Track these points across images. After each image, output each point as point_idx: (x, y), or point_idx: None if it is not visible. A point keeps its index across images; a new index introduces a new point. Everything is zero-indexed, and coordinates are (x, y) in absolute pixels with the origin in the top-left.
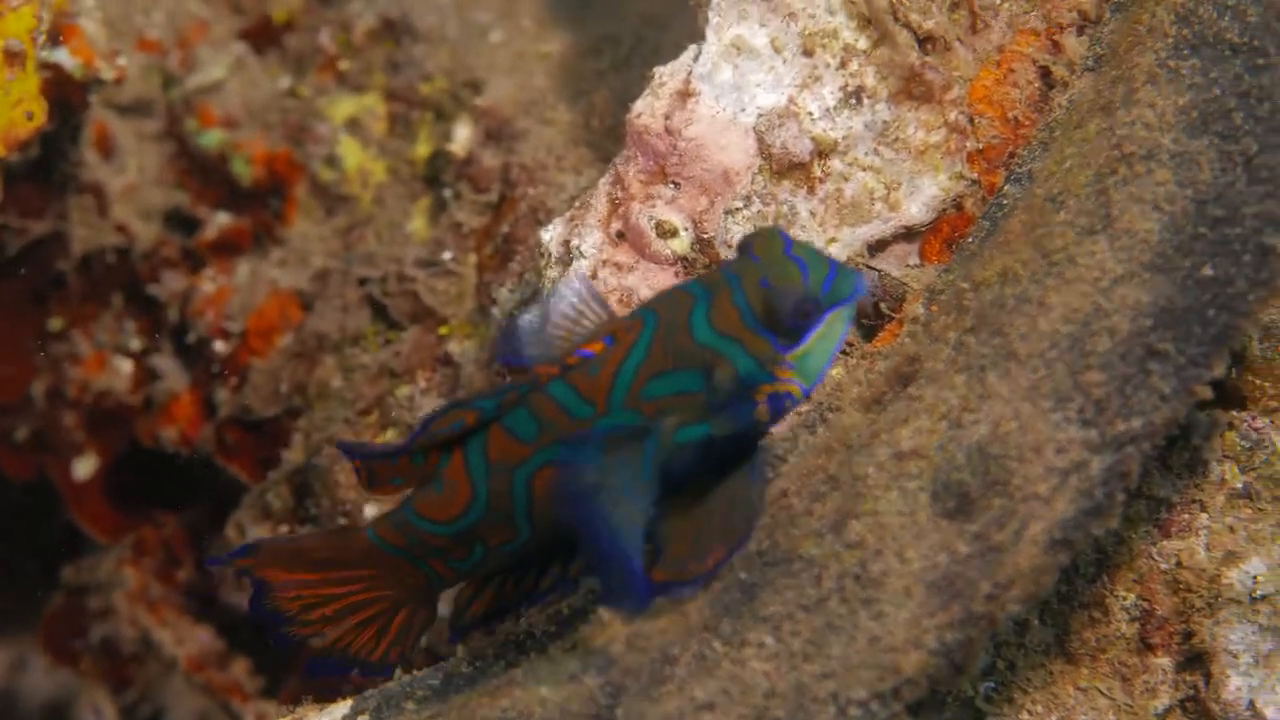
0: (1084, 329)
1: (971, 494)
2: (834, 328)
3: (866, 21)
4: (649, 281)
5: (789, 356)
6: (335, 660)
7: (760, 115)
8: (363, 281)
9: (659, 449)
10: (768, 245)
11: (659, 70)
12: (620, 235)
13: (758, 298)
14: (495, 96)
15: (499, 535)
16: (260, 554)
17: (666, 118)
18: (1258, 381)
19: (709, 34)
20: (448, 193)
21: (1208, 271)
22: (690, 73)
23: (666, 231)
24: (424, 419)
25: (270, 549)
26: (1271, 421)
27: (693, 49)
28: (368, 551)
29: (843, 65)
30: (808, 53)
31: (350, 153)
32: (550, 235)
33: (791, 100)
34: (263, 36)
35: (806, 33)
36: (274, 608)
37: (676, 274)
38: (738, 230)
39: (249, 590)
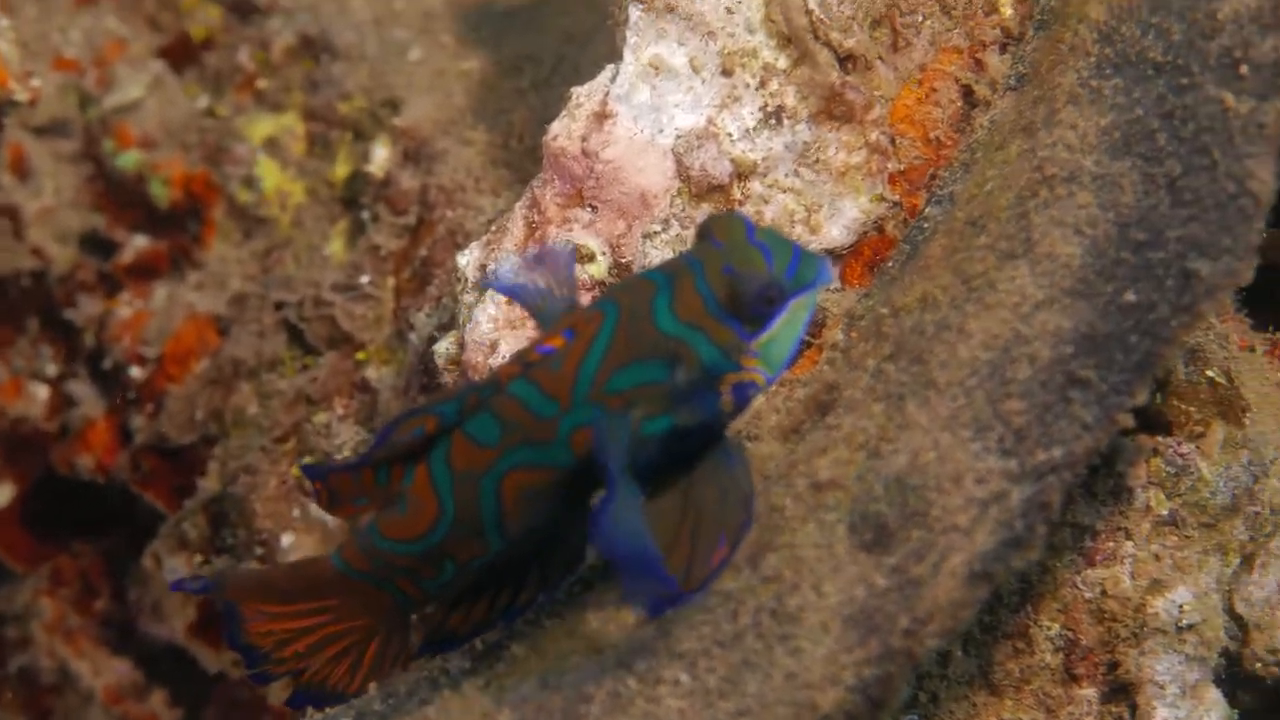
0: (1004, 356)
1: (890, 526)
2: (798, 314)
3: (787, 40)
4: None
5: (753, 345)
6: (315, 694)
7: (679, 136)
8: (280, 306)
9: (628, 443)
10: (729, 230)
11: (576, 91)
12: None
13: (721, 285)
14: (414, 116)
15: (469, 550)
16: (227, 583)
17: (583, 140)
18: (1183, 406)
19: (626, 54)
20: (366, 215)
21: (1130, 297)
22: (607, 94)
23: (583, 256)
24: (382, 429)
25: (236, 579)
26: (1197, 447)
27: (610, 69)
28: (333, 579)
29: (762, 85)
30: (727, 72)
31: (269, 174)
32: (467, 260)
33: (711, 121)
34: (181, 54)
35: (726, 52)
36: (248, 643)
37: (594, 298)
38: (656, 254)
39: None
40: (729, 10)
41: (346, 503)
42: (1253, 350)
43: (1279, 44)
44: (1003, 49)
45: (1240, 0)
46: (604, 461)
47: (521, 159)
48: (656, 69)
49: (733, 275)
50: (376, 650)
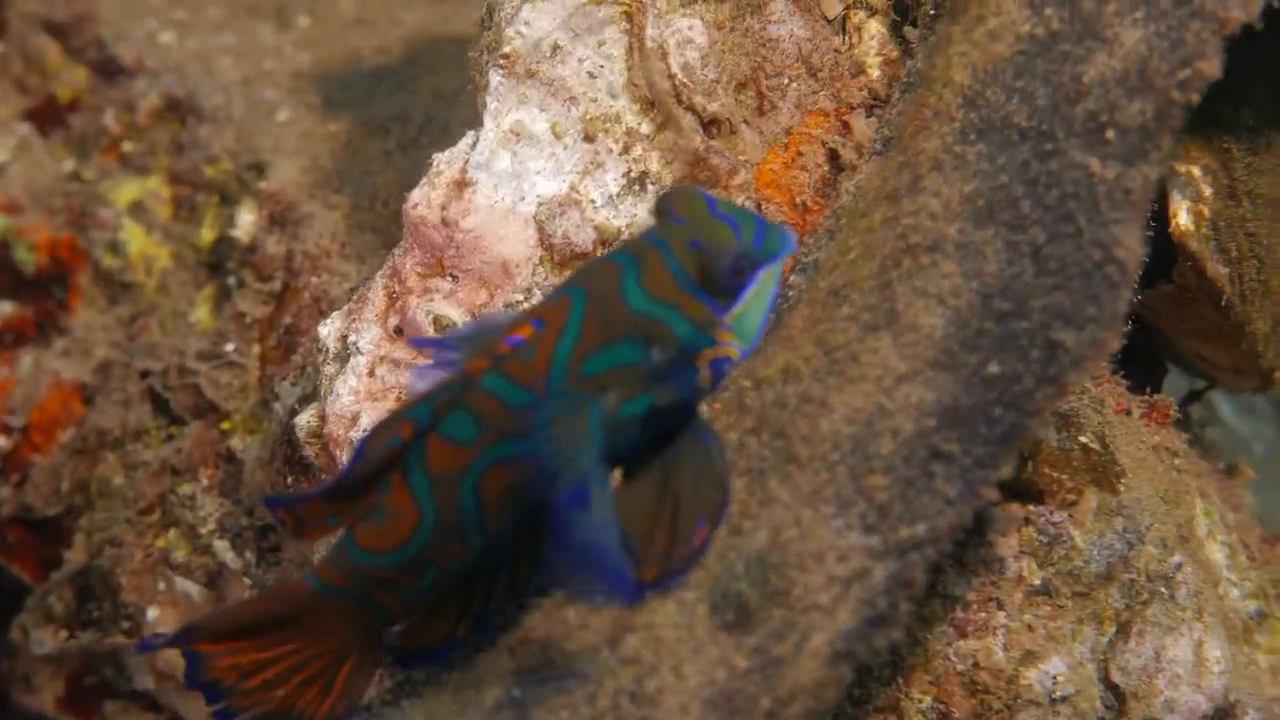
0: (867, 430)
1: (751, 605)
2: (766, 285)
3: (650, 105)
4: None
5: (726, 318)
6: None
7: (541, 204)
8: (145, 374)
9: (605, 427)
10: (690, 205)
11: (437, 158)
12: (398, 330)
13: (690, 260)
14: (280, 179)
15: (450, 553)
16: (195, 634)
17: (443, 209)
18: (1055, 474)
19: (487, 120)
20: (231, 280)
21: (994, 369)
22: (467, 161)
23: (444, 327)
24: (359, 443)
25: (204, 628)
26: (1070, 515)
27: (471, 135)
28: (308, 600)
29: (626, 150)
30: (589, 138)
31: (134, 238)
32: (328, 330)
33: (573, 188)
34: (48, 117)
35: (588, 117)
36: (210, 679)
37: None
38: None
39: (67, 686)
40: (591, 75)
41: (317, 527)
42: (1129, 413)
43: (1145, 108)
44: (869, 111)
45: (1105, 63)
46: (566, 453)
47: (387, 223)
48: (518, 135)
49: (701, 249)
50: (348, 673)
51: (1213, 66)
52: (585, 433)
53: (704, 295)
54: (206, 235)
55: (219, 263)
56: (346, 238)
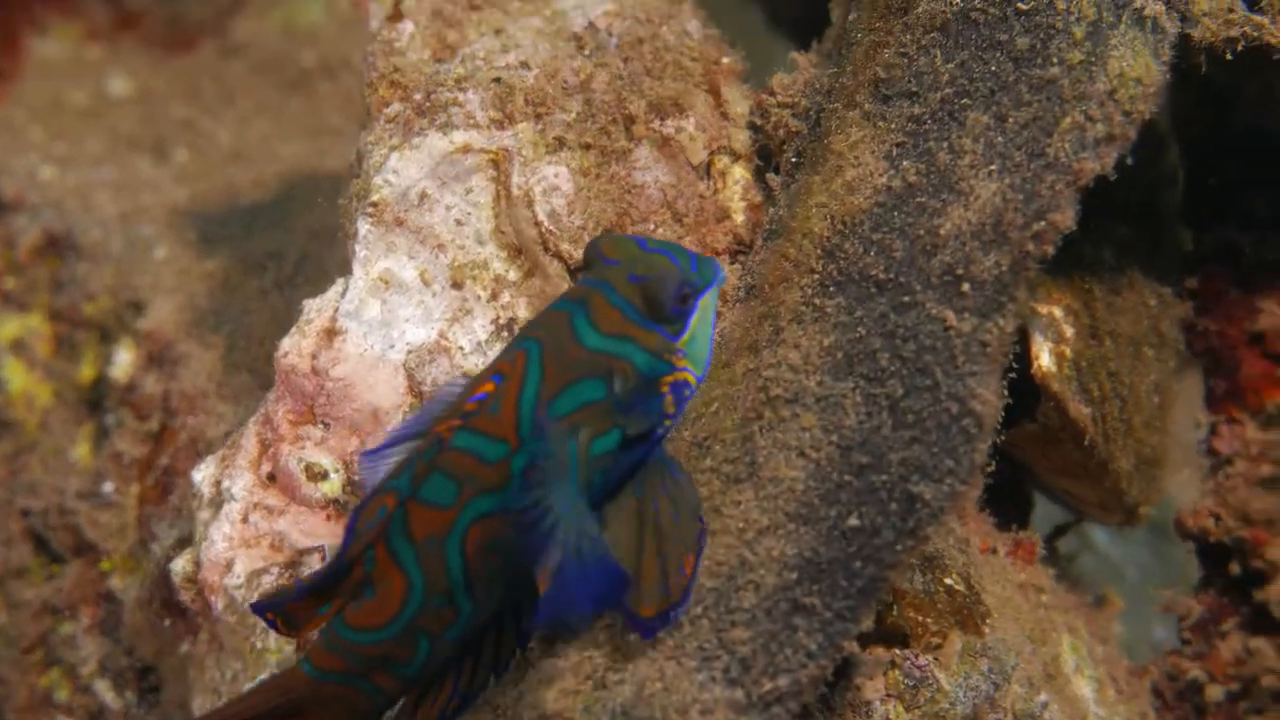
0: (730, 584)
1: None
2: (707, 312)
3: (517, 252)
4: (301, 526)
5: (678, 344)
6: None
7: (410, 351)
8: (26, 513)
9: (580, 467)
10: (621, 247)
11: (307, 305)
12: (271, 477)
13: (634, 293)
14: (158, 318)
15: (441, 620)
16: None
17: (314, 357)
18: (919, 617)
19: (356, 268)
20: (110, 419)
21: (854, 521)
22: (337, 310)
23: (316, 474)
24: (349, 521)
25: None
26: (935, 658)
27: (340, 283)
28: (305, 688)
29: (494, 297)
30: (457, 285)
31: (15, 375)
32: (202, 475)
33: (442, 335)
34: None
35: (456, 264)
36: None
37: (329, 517)
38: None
39: None
40: (459, 222)
41: (309, 619)
42: (995, 552)
43: (1001, 260)
44: (734, 257)
45: (961, 216)
46: (547, 497)
47: (262, 363)
48: (386, 283)
49: (644, 281)
50: None
51: (1066, 218)
52: (563, 472)
53: (654, 325)
54: (86, 373)
55: (98, 400)
56: (223, 378)
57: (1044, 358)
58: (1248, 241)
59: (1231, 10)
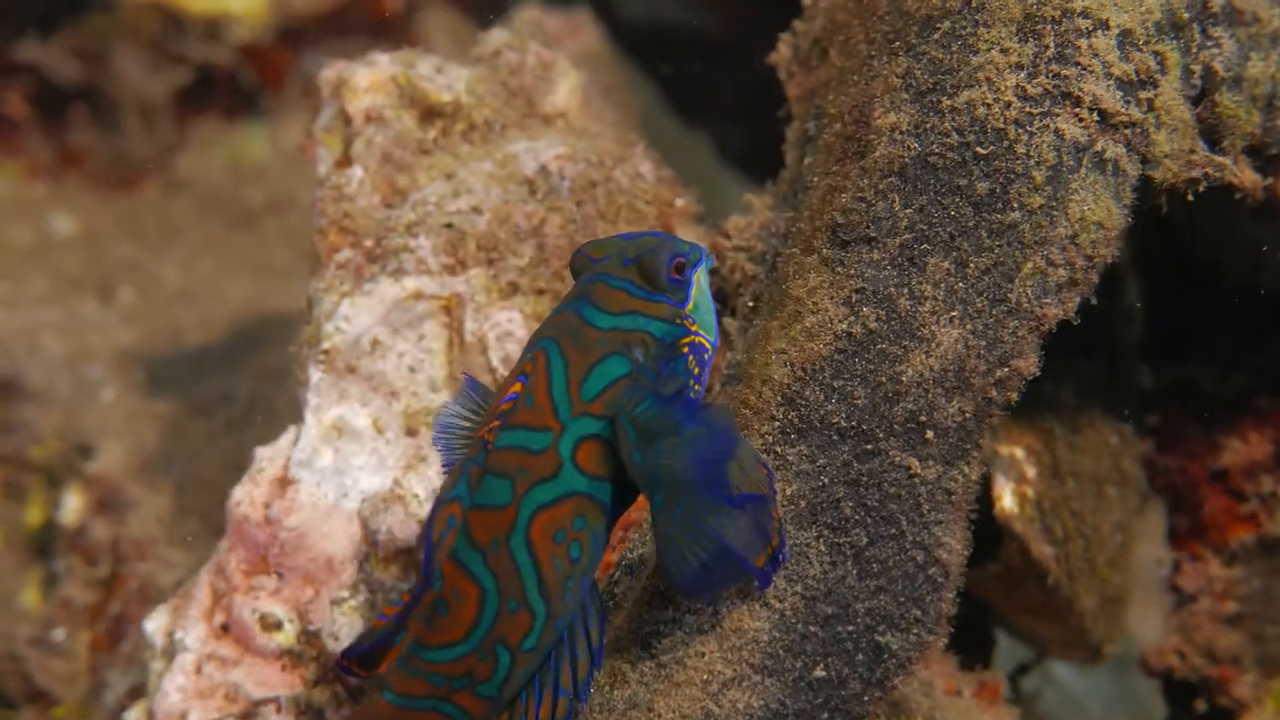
0: None
1: None
2: (703, 287)
3: None
4: (255, 676)
5: (686, 309)
6: None
7: (364, 500)
8: None
9: (637, 428)
10: (605, 245)
11: (259, 453)
12: (224, 628)
13: (632, 273)
14: (107, 462)
15: (518, 626)
16: None
17: (266, 506)
18: None
19: (308, 416)
20: (59, 564)
21: (820, 673)
22: (289, 459)
23: (270, 625)
24: (424, 535)
25: None
26: None
27: (292, 431)
28: (389, 717)
29: None
30: (411, 432)
31: None
32: (154, 626)
33: (396, 483)
34: None
35: (409, 411)
36: None
37: (284, 667)
38: (345, 621)
39: None
40: (412, 369)
41: (388, 653)
42: (959, 694)
43: (964, 407)
44: None
45: (923, 363)
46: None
47: (213, 509)
48: (339, 431)
49: (639, 260)
50: None
51: (1030, 364)
52: (626, 444)
53: (658, 296)
54: (34, 517)
55: (47, 545)
56: (174, 523)
57: (1006, 499)
58: (1208, 377)
59: (1193, 151)
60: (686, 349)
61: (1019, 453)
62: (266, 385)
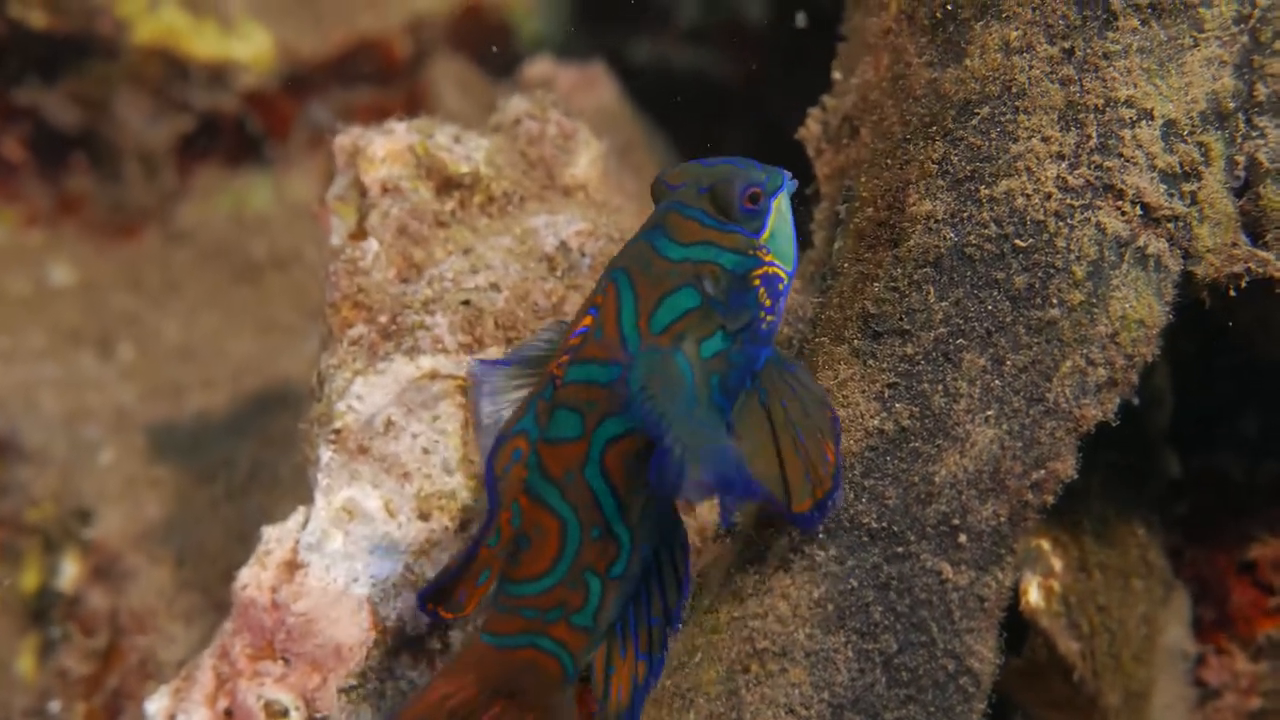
0: None
1: None
2: (783, 211)
3: None
4: None
5: (760, 239)
6: None
7: (375, 585)
8: None
9: (694, 368)
10: (684, 171)
11: (266, 534)
12: (228, 713)
13: (704, 202)
14: (105, 529)
15: (604, 553)
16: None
17: (274, 591)
18: None
19: (318, 497)
20: (56, 632)
21: None
22: (298, 542)
23: (276, 713)
24: (486, 466)
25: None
26: None
27: (302, 512)
28: (493, 661)
29: (462, 528)
30: (424, 516)
31: None
32: (154, 708)
33: (408, 568)
34: None
35: (423, 494)
36: None
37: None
38: (353, 710)
39: None
40: (426, 451)
41: (472, 593)
42: None
43: (999, 510)
44: None
45: (957, 463)
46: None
47: (214, 582)
48: (350, 514)
49: (713, 190)
50: None
51: (1067, 467)
52: (677, 379)
53: (732, 226)
54: (29, 581)
55: (44, 611)
56: (174, 595)
57: (1033, 593)
58: (1237, 466)
59: (1236, 245)
60: (758, 281)
61: (1045, 545)
62: (270, 451)
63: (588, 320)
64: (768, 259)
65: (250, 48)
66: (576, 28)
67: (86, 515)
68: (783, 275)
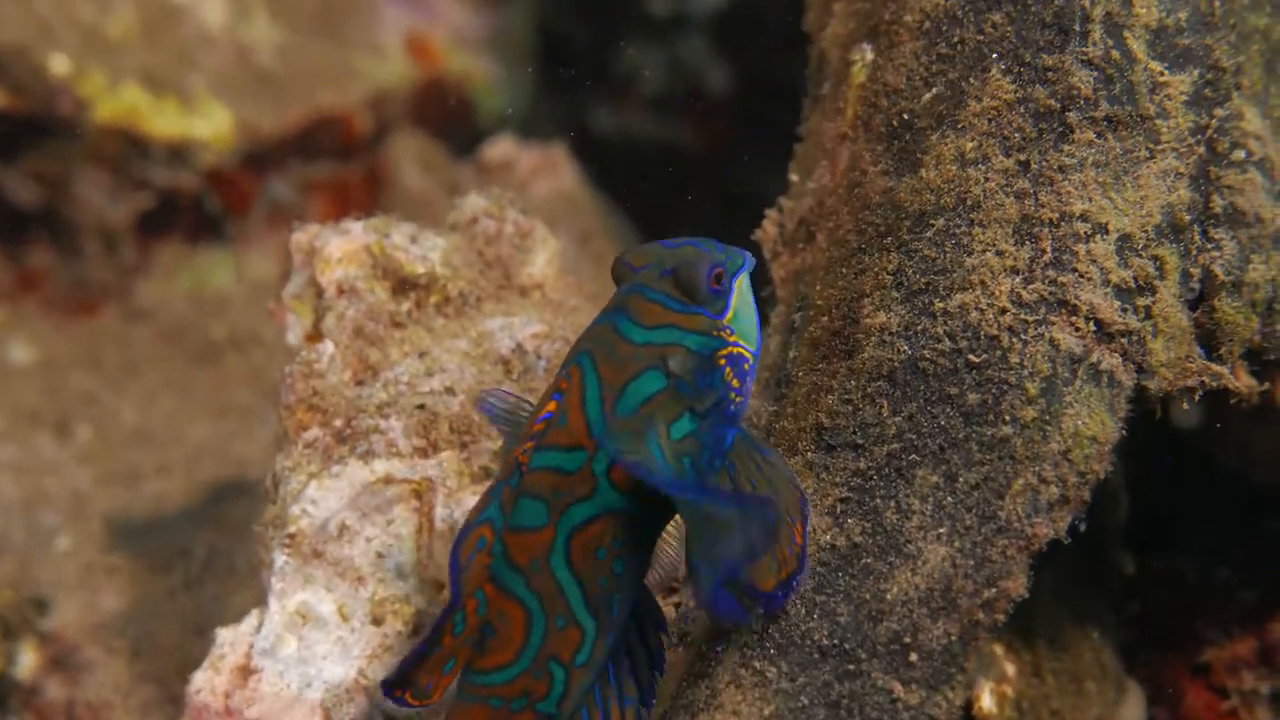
0: None
1: None
2: (744, 294)
3: (440, 586)
4: None
5: (724, 320)
6: None
7: (328, 690)
8: None
9: (666, 455)
10: (645, 253)
11: (221, 636)
12: None
13: (668, 285)
14: (62, 619)
15: (568, 642)
16: None
17: (227, 696)
18: None
19: (272, 602)
20: None
21: None
22: (252, 646)
23: None
24: (452, 555)
25: None
26: None
27: (255, 615)
28: None
29: (415, 633)
30: (378, 621)
31: None
32: None
33: (361, 673)
34: None
35: (376, 599)
36: None
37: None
38: None
39: None
40: (380, 555)
41: (437, 686)
42: None
43: (950, 629)
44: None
45: (909, 581)
46: (656, 478)
47: (170, 675)
48: (304, 618)
49: (676, 272)
50: None
51: (1019, 585)
52: (650, 460)
53: (695, 308)
54: None
55: (1, 699)
56: (130, 688)
57: (985, 699)
58: (1192, 568)
59: (1190, 358)
60: (724, 361)
61: (999, 650)
62: (225, 539)
63: (551, 406)
64: (732, 339)
65: (210, 126)
66: (538, 99)
67: (43, 605)
68: (748, 355)
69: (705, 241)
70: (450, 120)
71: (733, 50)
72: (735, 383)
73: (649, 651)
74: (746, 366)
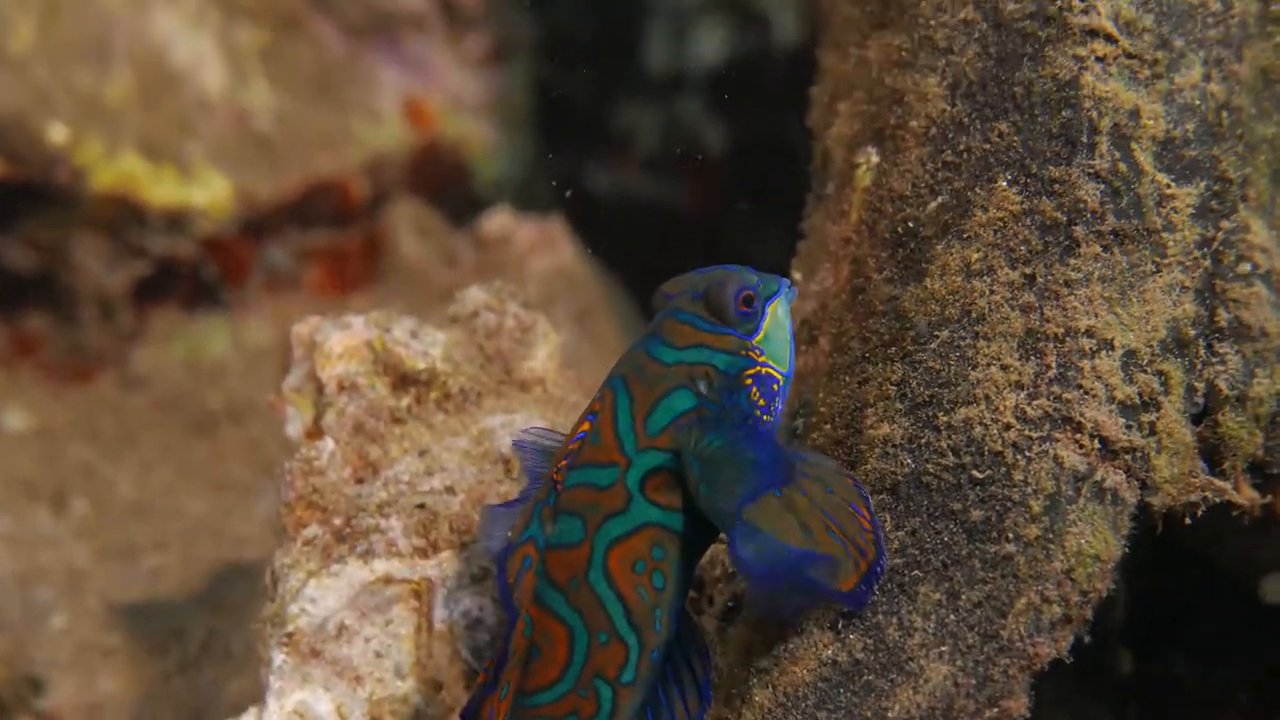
0: None
1: None
2: (780, 317)
3: (438, 687)
4: None
5: (754, 340)
6: None
7: None
8: None
9: (700, 462)
10: (680, 281)
11: None
12: None
13: (699, 308)
14: (57, 701)
15: (613, 658)
16: None
17: None
18: None
19: (270, 700)
20: None
21: None
22: None
23: None
24: (499, 580)
25: None
26: None
27: (253, 714)
28: None
29: None
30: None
31: None
32: None
33: None
34: None
35: (374, 699)
36: None
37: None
38: None
39: None
40: (378, 655)
41: (499, 709)
42: None
43: None
44: None
45: (910, 699)
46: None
47: None
48: (302, 716)
49: (707, 294)
50: None
51: (1020, 705)
52: (691, 480)
53: (725, 329)
54: None
55: None
56: None
57: None
58: (1190, 670)
59: (1193, 474)
60: (750, 380)
61: None
62: (222, 620)
63: (585, 426)
64: (760, 359)
65: (208, 193)
66: (535, 162)
67: (38, 684)
68: (778, 376)
69: (739, 266)
70: (447, 185)
71: (729, 110)
72: (762, 402)
73: (695, 678)
74: (776, 387)
